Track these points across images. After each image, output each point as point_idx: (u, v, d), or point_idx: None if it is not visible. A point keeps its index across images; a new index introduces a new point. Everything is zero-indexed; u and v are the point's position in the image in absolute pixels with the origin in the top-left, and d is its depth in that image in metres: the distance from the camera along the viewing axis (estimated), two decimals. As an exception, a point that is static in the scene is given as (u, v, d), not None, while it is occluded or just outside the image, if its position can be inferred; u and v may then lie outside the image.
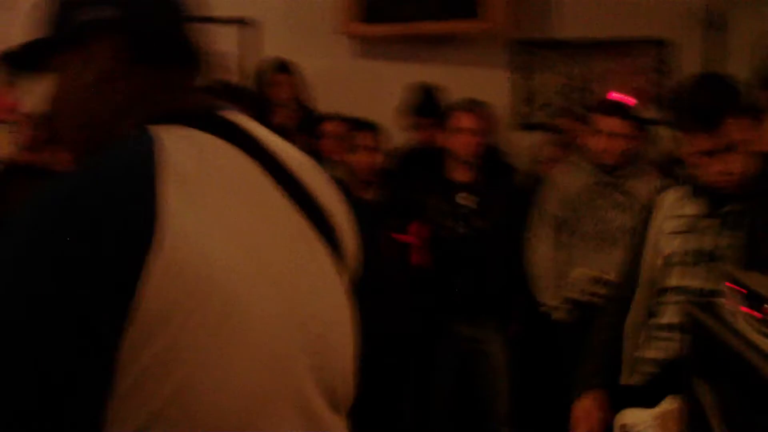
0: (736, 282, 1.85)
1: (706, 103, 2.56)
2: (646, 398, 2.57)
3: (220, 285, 1.09)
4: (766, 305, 1.65)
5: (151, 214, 1.06)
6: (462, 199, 4.43)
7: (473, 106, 4.71)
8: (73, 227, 1.05)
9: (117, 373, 1.05)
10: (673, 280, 2.68)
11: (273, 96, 5.36)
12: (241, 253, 1.14)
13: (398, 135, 5.20)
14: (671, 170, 4.49)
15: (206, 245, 1.09)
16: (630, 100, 5.45)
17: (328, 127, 4.82)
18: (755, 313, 1.67)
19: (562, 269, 4.28)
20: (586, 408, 2.79)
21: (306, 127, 5.11)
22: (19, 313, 1.04)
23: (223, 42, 5.71)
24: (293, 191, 1.28)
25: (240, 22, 5.92)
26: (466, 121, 4.47)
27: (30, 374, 1.03)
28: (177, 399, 1.06)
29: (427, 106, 5.27)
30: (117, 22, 1.27)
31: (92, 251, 1.03)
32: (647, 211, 2.85)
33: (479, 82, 5.88)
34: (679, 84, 2.73)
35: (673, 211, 2.73)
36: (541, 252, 4.35)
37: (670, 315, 2.68)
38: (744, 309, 1.73)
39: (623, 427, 2.64)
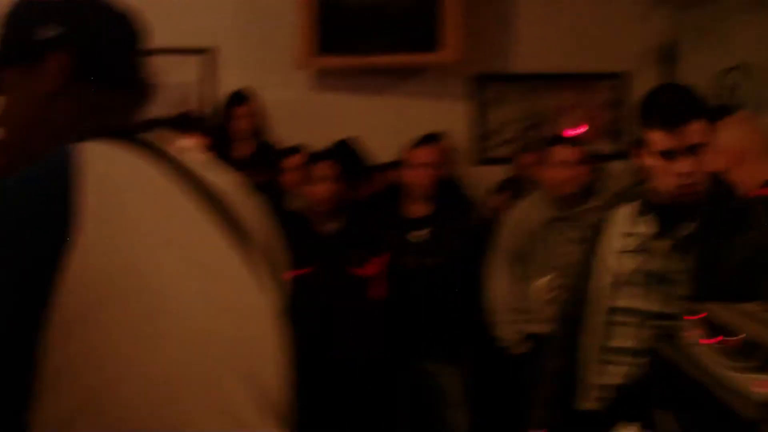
0: (695, 313, 1.85)
1: (672, 101, 2.58)
2: (600, 424, 2.56)
3: (143, 286, 1.11)
4: (725, 336, 1.64)
5: (69, 215, 1.09)
6: (416, 234, 4.43)
7: (429, 141, 4.71)
8: None
9: (36, 371, 1.06)
10: (623, 301, 2.66)
11: (233, 128, 5.34)
12: (165, 257, 1.16)
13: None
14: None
15: (128, 248, 1.11)
16: (582, 131, 5.53)
17: (291, 160, 4.79)
18: (715, 344, 1.67)
19: (519, 304, 4.29)
20: None
21: (264, 159, 5.08)
22: None
23: (183, 72, 5.69)
24: (217, 210, 1.30)
25: (200, 52, 5.87)
26: (421, 155, 4.47)
27: None
28: (97, 397, 1.07)
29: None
30: (63, 41, 1.31)
31: (9, 251, 1.07)
32: (597, 228, 2.83)
33: (439, 114, 5.91)
34: (649, 90, 2.74)
35: (624, 229, 2.72)
36: (498, 287, 4.35)
37: (620, 338, 2.65)
38: (704, 341, 1.73)
39: None
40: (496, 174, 5.70)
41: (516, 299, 4.31)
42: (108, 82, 1.34)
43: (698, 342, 1.75)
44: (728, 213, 2.58)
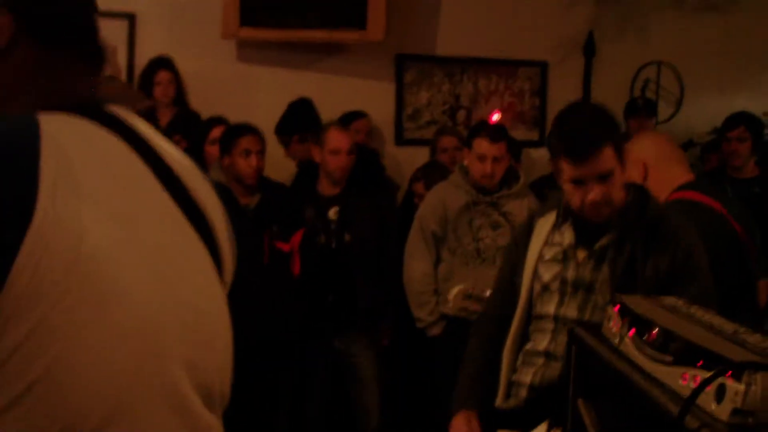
0: (622, 306, 1.89)
1: (578, 131, 2.57)
2: (521, 422, 2.60)
3: (98, 267, 1.08)
4: (653, 329, 1.69)
5: (31, 190, 1.05)
6: (330, 212, 4.43)
7: (350, 118, 4.66)
8: None
9: None
10: (550, 308, 2.71)
11: (156, 95, 5.24)
12: (120, 237, 1.13)
13: (273, 142, 5.13)
14: (545, 192, 4.61)
15: (85, 226, 1.08)
16: (499, 116, 5.59)
17: (215, 131, 4.72)
18: (642, 336, 1.71)
19: (439, 286, 4.34)
20: (459, 427, 2.81)
21: (185, 127, 5.00)
22: None
23: (105, 36, 5.53)
24: (173, 188, 1.28)
25: (128, 16, 5.73)
26: (342, 142, 4.46)
27: None
28: (47, 377, 1.05)
29: (305, 119, 5.21)
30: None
31: None
32: (524, 234, 2.86)
33: (361, 93, 5.91)
34: (558, 112, 2.73)
35: (551, 238, 2.75)
36: (419, 268, 4.39)
37: (545, 342, 2.71)
38: (632, 333, 1.77)
39: None
40: (415, 155, 5.73)
41: (433, 281, 4.36)
42: (58, 44, 1.27)
43: (626, 334, 1.80)
44: (644, 223, 2.62)
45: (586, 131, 2.56)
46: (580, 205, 2.60)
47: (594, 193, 2.55)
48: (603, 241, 2.64)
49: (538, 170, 5.74)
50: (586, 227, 2.67)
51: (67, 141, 1.13)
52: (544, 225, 2.79)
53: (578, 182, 2.57)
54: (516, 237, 2.97)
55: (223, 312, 1.32)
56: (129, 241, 1.14)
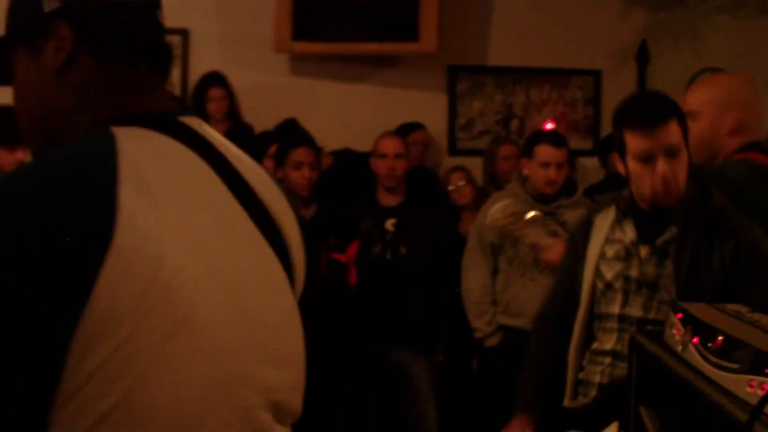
0: (685, 313, 1.88)
1: (647, 103, 2.59)
2: (590, 422, 2.58)
3: (175, 290, 1.07)
4: (718, 336, 1.67)
5: (109, 215, 1.03)
6: (388, 224, 4.44)
7: (405, 131, 4.68)
8: (25, 226, 1.02)
9: (64, 373, 1.02)
10: (614, 308, 2.68)
11: (207, 110, 5.29)
12: (197, 259, 1.12)
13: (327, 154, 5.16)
14: (597, 199, 4.58)
15: (163, 249, 1.06)
16: (553, 126, 5.57)
17: (275, 147, 4.75)
18: (706, 344, 1.70)
19: (497, 297, 4.33)
20: (516, 429, 2.80)
21: (239, 141, 5.03)
22: None
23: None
24: (247, 200, 1.26)
25: (182, 32, 5.81)
26: (389, 146, 4.47)
27: None
28: (126, 401, 1.04)
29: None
30: (64, 10, 1.23)
31: (44, 251, 1.01)
32: (583, 231, 2.83)
33: (413, 104, 5.92)
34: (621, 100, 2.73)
35: (611, 235, 2.72)
36: (476, 278, 4.38)
37: (612, 342, 2.68)
38: (696, 340, 1.75)
39: None
40: (468, 165, 5.73)
41: (491, 291, 4.35)
42: (121, 55, 1.25)
43: (689, 341, 1.78)
44: (708, 217, 2.59)
45: (654, 102, 2.59)
46: (649, 187, 2.57)
47: (664, 166, 2.52)
48: (665, 236, 2.61)
49: (590, 180, 5.71)
50: (648, 222, 2.64)
51: (143, 159, 1.12)
52: (603, 221, 2.77)
53: (647, 158, 2.55)
54: (574, 235, 2.94)
55: (297, 328, 1.31)
56: (206, 262, 1.13)
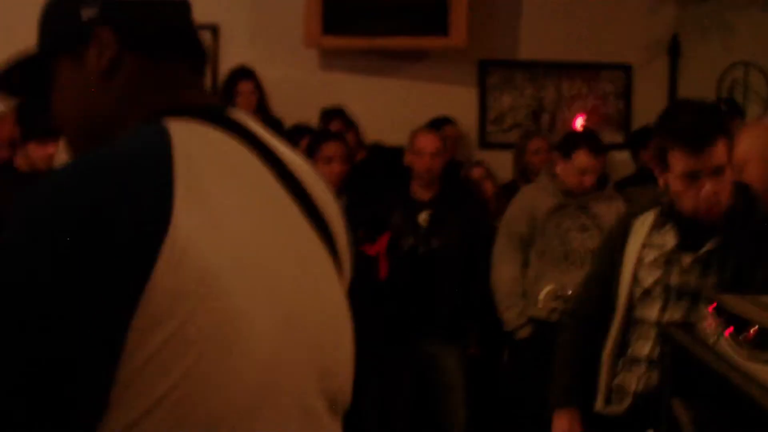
0: (718, 305, 1.88)
1: (696, 121, 2.50)
2: (625, 429, 2.55)
3: (226, 281, 1.07)
4: (751, 328, 1.67)
5: (165, 206, 1.04)
6: (421, 217, 4.45)
7: (436, 125, 4.67)
8: (84, 217, 1.03)
9: (121, 360, 1.04)
10: (652, 314, 2.61)
11: (237, 105, 5.32)
12: (248, 251, 1.13)
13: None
14: (628, 191, 4.57)
15: (214, 241, 1.07)
16: (589, 126, 5.54)
17: (305, 141, 4.77)
18: (740, 336, 1.70)
19: (527, 289, 4.33)
20: (565, 425, 2.78)
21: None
22: (29, 300, 1.02)
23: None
24: (295, 192, 1.27)
25: (212, 27, 5.83)
26: (426, 143, 4.48)
27: (33, 358, 1.02)
28: (181, 386, 1.05)
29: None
30: (102, 15, 1.25)
31: (104, 241, 1.02)
32: (620, 234, 2.76)
33: (444, 99, 5.92)
34: (666, 108, 2.67)
35: (650, 240, 2.65)
36: (507, 271, 4.37)
37: (648, 349, 2.62)
38: (728, 332, 1.75)
39: None
40: (499, 158, 5.74)
41: (521, 284, 4.35)
42: (162, 53, 1.27)
43: (722, 333, 1.78)
44: (753, 229, 2.53)
45: (704, 122, 2.50)
46: (692, 204, 2.51)
47: (709, 187, 2.45)
48: (709, 245, 2.54)
49: (621, 173, 5.69)
50: (690, 230, 2.57)
51: (196, 151, 1.13)
52: (641, 225, 2.69)
53: (692, 176, 2.47)
54: (611, 238, 2.86)
55: (347, 319, 1.32)
56: (257, 254, 1.14)
